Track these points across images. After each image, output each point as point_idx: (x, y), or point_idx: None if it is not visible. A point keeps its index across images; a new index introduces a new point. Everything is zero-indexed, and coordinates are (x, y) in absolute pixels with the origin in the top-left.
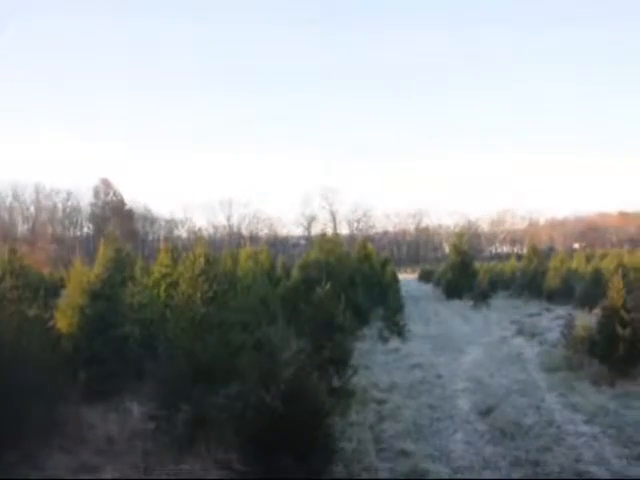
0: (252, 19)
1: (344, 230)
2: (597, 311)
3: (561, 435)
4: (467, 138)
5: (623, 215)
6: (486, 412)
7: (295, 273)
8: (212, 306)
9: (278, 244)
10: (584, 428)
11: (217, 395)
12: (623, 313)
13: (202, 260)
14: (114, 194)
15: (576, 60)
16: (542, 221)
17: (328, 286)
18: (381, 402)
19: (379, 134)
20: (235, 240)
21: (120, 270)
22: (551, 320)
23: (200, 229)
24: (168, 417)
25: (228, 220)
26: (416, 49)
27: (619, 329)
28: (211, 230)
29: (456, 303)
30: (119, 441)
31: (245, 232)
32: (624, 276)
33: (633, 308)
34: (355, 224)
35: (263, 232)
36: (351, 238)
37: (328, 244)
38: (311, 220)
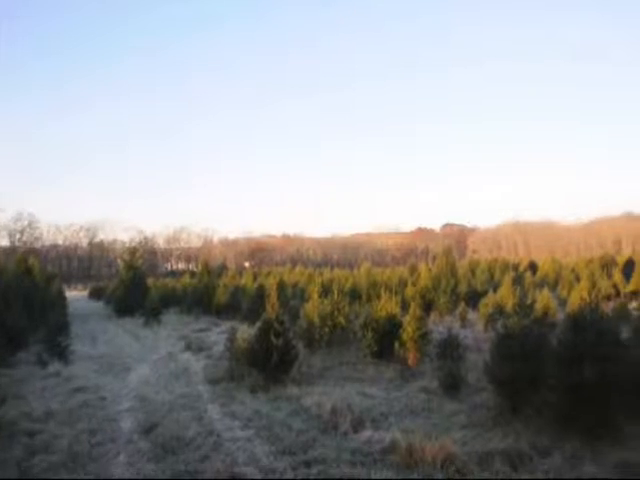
0: None
1: (4, 241)
2: (259, 324)
3: (220, 442)
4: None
5: (285, 237)
6: (149, 430)
7: None
8: None
9: None
10: (240, 433)
11: None
12: (277, 325)
13: None
14: None
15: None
16: (216, 240)
17: None
18: (33, 434)
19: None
20: None
21: None
22: (218, 334)
23: None
24: None
25: None
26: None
27: (273, 339)
28: None
29: (127, 321)
30: None
31: None
32: (280, 291)
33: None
34: (18, 235)
35: None
36: (12, 250)
37: None
38: None
